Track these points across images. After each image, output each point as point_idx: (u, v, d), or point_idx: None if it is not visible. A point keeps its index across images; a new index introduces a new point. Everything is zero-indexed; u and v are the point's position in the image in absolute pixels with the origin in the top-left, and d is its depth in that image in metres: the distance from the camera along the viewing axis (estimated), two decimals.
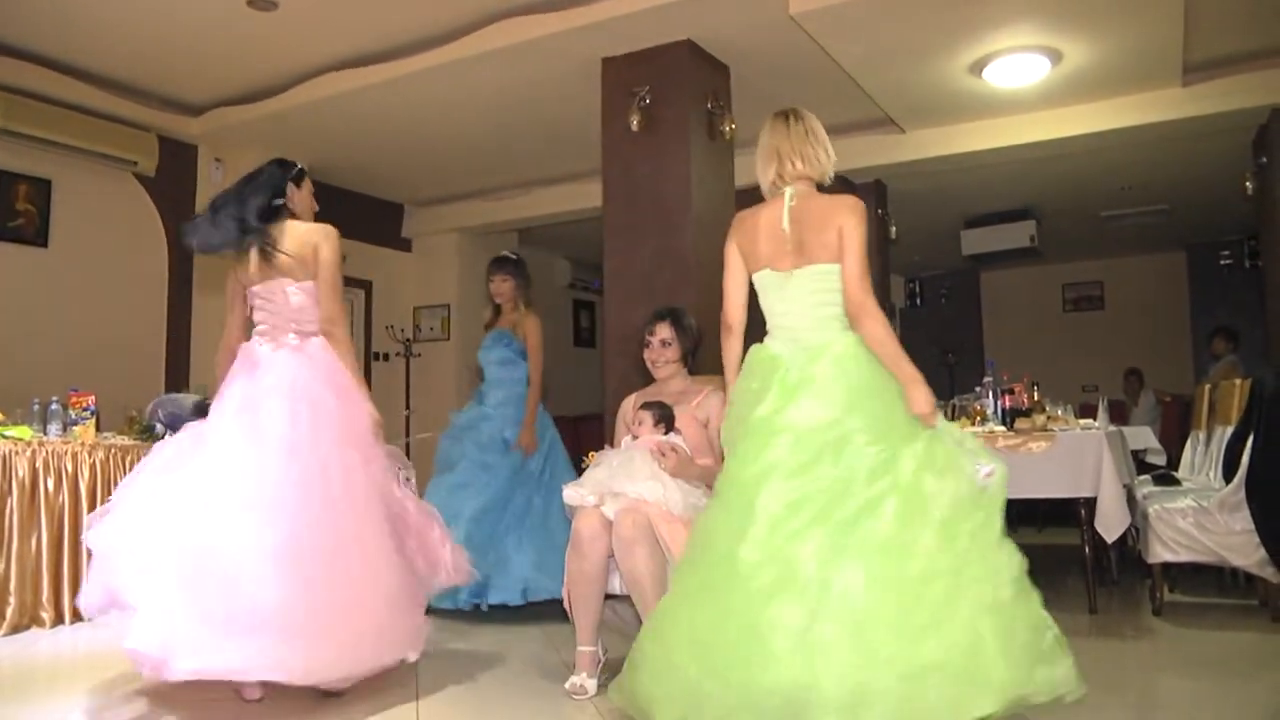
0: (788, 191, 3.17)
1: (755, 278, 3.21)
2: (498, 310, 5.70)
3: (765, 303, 3.19)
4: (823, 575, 2.64)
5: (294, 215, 3.83)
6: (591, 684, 3.51)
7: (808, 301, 3.08)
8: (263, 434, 3.32)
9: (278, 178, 3.80)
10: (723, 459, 3.19)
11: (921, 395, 2.96)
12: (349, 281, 9.85)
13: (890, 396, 2.95)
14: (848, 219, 3.04)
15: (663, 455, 3.63)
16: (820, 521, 2.70)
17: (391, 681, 3.67)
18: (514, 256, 5.73)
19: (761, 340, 3.17)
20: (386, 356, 10.19)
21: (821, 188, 3.26)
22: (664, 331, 4.06)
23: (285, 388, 3.45)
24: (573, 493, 3.63)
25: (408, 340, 9.97)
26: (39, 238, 7.15)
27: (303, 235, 3.74)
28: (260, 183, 3.76)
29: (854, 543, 2.67)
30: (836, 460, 2.79)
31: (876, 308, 3.02)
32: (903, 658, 2.54)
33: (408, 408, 9.81)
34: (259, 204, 3.67)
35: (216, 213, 3.66)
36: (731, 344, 3.27)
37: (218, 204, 3.70)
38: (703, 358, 4.28)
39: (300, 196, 3.91)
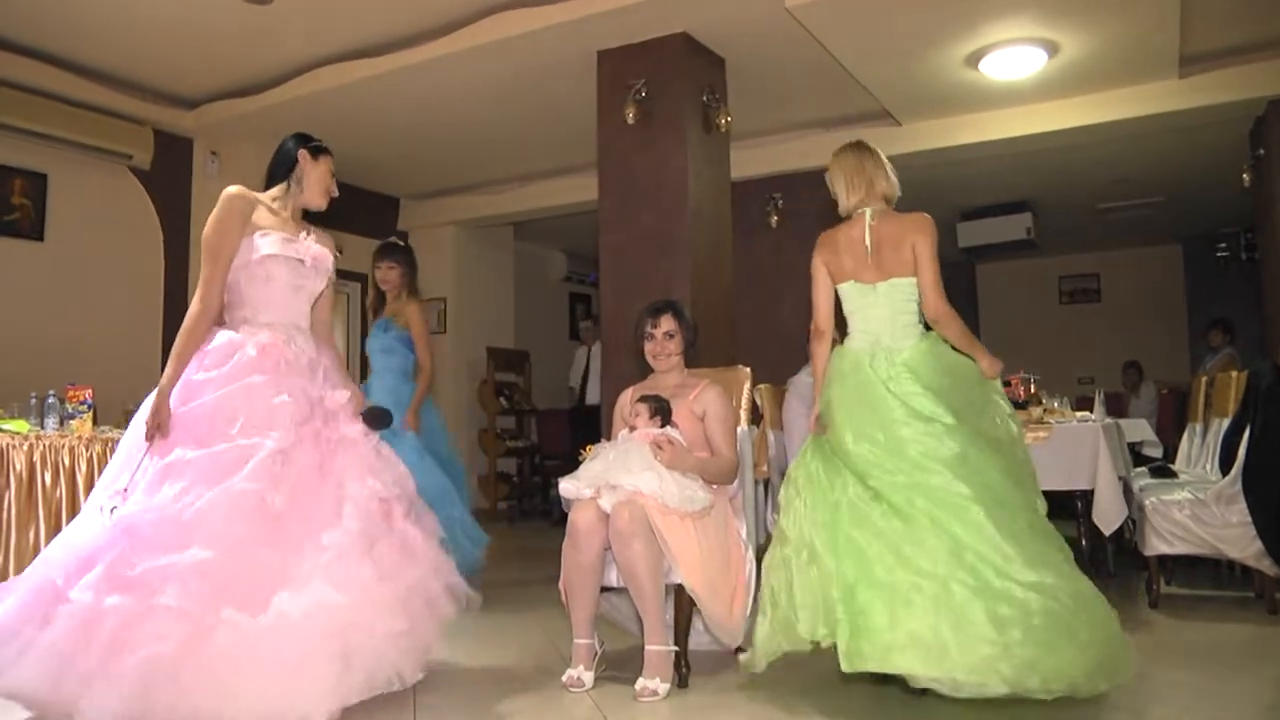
0: (867, 212, 3.64)
1: (840, 289, 3.66)
2: (383, 298, 5.65)
3: (849, 309, 3.64)
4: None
5: (303, 189, 3.73)
6: (588, 677, 3.51)
7: (889, 310, 3.53)
8: None
9: (289, 147, 3.72)
10: (732, 448, 3.86)
11: (987, 361, 3.56)
12: (343, 275, 9.85)
13: (963, 383, 3.49)
14: (919, 238, 3.51)
15: (659, 448, 3.63)
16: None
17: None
18: (401, 244, 5.77)
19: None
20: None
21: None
22: (668, 324, 4.05)
23: None
24: (569, 485, 3.62)
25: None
26: (35, 231, 7.14)
27: None
28: (276, 154, 3.77)
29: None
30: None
31: (952, 312, 3.49)
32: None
33: None
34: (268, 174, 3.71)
35: None
36: (821, 347, 3.71)
37: None
38: (699, 350, 4.28)
39: (311, 170, 3.73)
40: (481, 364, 10.44)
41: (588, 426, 9.57)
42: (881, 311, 3.54)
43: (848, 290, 3.63)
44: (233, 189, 3.51)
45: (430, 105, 7.57)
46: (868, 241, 3.57)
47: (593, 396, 9.49)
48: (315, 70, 7.12)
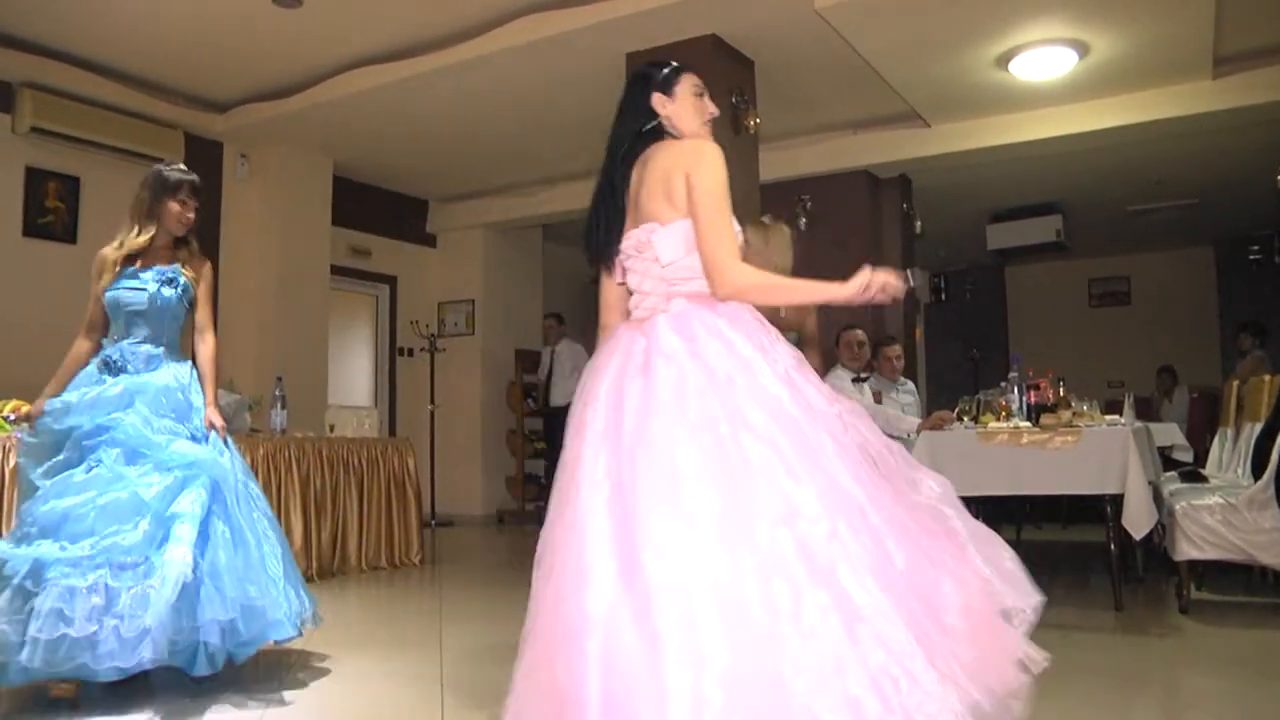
0: None
1: None
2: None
3: None
4: None
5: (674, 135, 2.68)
6: None
7: None
8: None
9: (637, 94, 2.74)
10: None
11: None
12: (373, 277, 9.93)
13: None
14: None
15: None
16: None
17: (415, 670, 3.70)
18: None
19: None
20: (411, 352, 10.24)
21: None
22: None
23: None
24: None
25: (432, 335, 10.00)
26: (68, 234, 7.22)
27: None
28: (621, 111, 2.79)
29: None
30: None
31: None
32: None
33: (432, 403, 9.84)
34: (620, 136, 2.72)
35: None
36: None
37: None
38: None
39: (677, 105, 2.69)
40: (510, 366, 10.47)
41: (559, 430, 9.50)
42: None
43: None
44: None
45: (459, 108, 7.60)
46: None
47: (559, 397, 9.44)
48: (344, 74, 7.17)
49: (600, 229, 2.62)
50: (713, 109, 2.70)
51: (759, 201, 6.72)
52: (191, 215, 3.95)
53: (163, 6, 6.13)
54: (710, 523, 2.06)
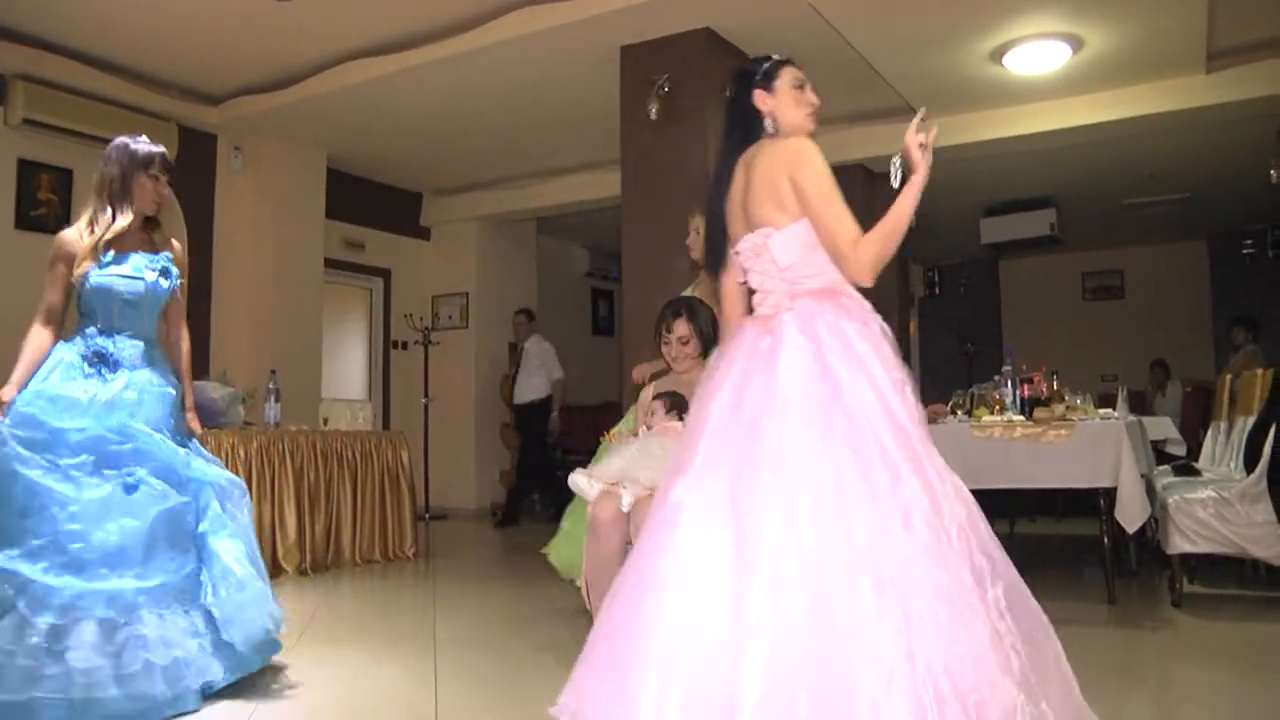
0: None
1: None
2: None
3: None
4: None
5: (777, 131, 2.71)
6: None
7: None
8: None
9: (741, 93, 2.78)
10: None
11: None
12: (366, 270, 9.91)
13: None
14: None
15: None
16: None
17: (409, 663, 3.71)
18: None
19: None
20: (405, 345, 10.23)
21: None
22: (681, 329, 4.06)
23: None
24: (580, 480, 3.65)
25: (426, 328, 9.99)
26: (61, 227, 7.08)
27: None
28: (729, 113, 2.83)
29: None
30: None
31: None
32: None
33: (426, 396, 9.83)
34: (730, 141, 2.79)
35: None
36: None
37: None
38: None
39: (778, 100, 2.74)
40: (504, 359, 10.46)
41: (530, 428, 9.42)
42: None
43: None
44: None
45: (453, 101, 7.59)
46: None
47: (524, 394, 9.38)
48: (338, 67, 7.15)
49: (719, 234, 2.75)
50: (814, 99, 2.76)
51: None
52: (166, 192, 3.72)
53: None
54: (810, 517, 2.16)
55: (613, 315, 13.15)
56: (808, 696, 1.97)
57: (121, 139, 3.71)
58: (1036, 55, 6.61)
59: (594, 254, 12.76)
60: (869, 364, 2.37)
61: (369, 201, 9.85)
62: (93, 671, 2.88)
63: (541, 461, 9.32)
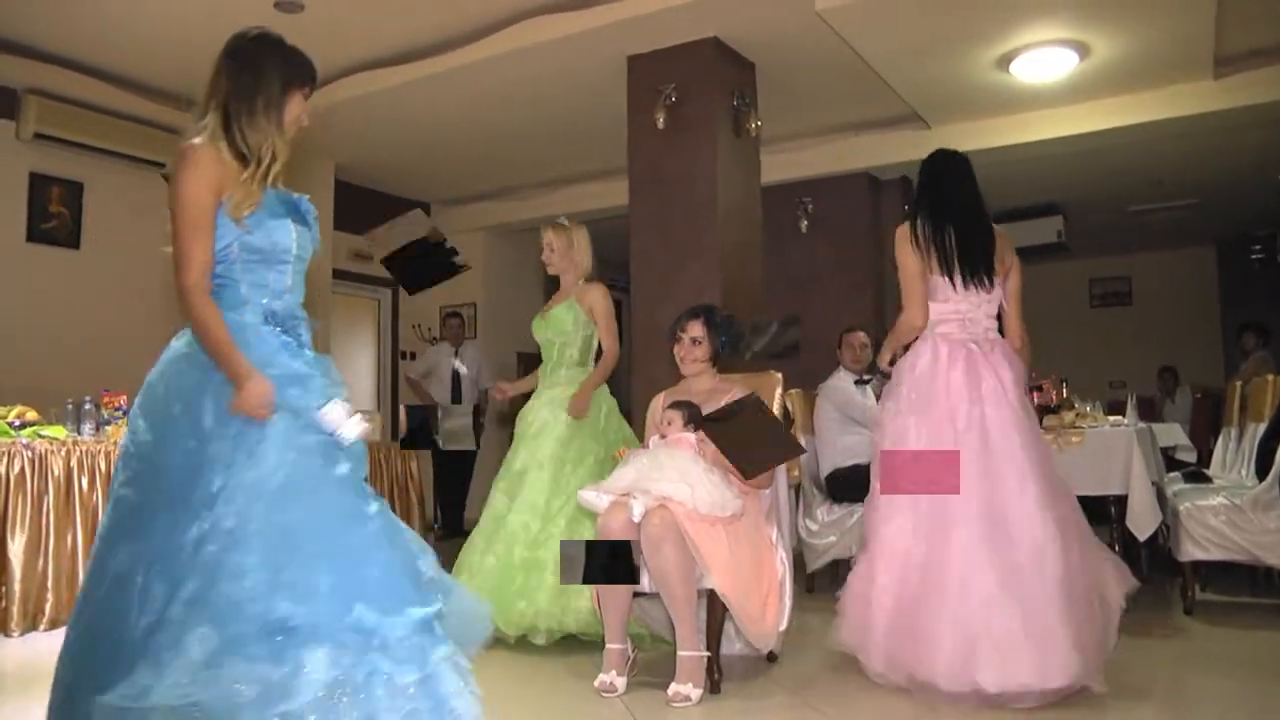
0: None
1: None
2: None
3: None
4: None
5: None
6: (621, 682, 3.51)
7: None
8: None
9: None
10: None
11: None
12: (374, 281, 9.92)
13: None
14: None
15: (703, 442, 3.68)
16: None
17: None
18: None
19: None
20: (413, 355, 10.24)
21: None
22: (695, 329, 4.08)
23: None
24: (588, 496, 3.64)
25: (434, 339, 10.00)
26: (71, 240, 7.23)
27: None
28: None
29: None
30: None
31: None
32: None
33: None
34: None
35: None
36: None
37: None
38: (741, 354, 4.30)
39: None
40: (511, 369, 10.46)
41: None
42: None
43: None
44: None
45: (460, 111, 7.62)
46: None
47: (439, 395, 8.89)
48: (346, 78, 7.17)
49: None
50: None
51: (760, 204, 6.72)
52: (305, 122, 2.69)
53: (166, 12, 6.14)
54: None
55: (621, 325, 13.12)
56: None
57: (261, 29, 2.75)
58: (1043, 62, 6.61)
59: (602, 263, 12.72)
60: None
61: (376, 212, 9.86)
62: None
63: None
